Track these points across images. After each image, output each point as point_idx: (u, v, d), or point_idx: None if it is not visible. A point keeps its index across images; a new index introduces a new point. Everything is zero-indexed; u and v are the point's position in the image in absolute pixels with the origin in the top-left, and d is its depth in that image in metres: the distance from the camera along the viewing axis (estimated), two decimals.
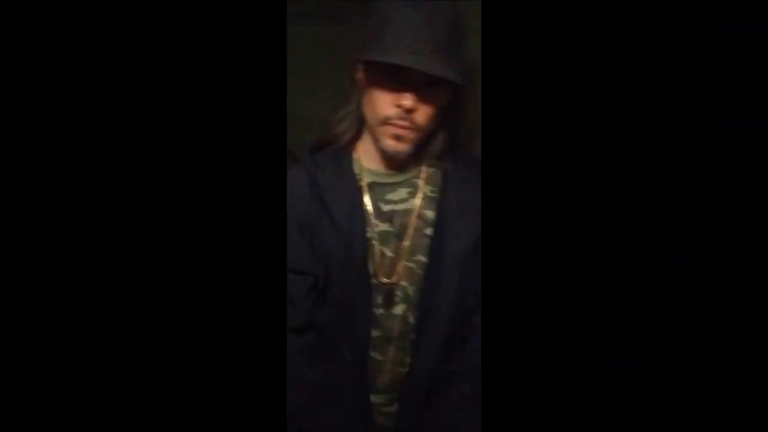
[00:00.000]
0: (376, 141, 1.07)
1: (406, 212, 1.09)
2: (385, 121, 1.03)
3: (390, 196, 1.09)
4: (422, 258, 1.08)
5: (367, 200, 1.09)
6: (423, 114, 1.02)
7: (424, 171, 1.10)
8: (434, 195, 1.10)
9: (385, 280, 1.07)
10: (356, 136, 1.11)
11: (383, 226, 1.08)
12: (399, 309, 1.08)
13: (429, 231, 1.08)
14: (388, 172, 1.10)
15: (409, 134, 1.03)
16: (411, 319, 1.08)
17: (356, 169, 1.10)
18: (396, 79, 1.00)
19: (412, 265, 1.08)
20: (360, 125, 1.11)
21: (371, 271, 1.07)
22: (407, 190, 1.10)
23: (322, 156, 1.12)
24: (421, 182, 1.11)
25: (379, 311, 1.08)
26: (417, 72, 0.97)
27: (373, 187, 1.09)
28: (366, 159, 1.11)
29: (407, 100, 1.00)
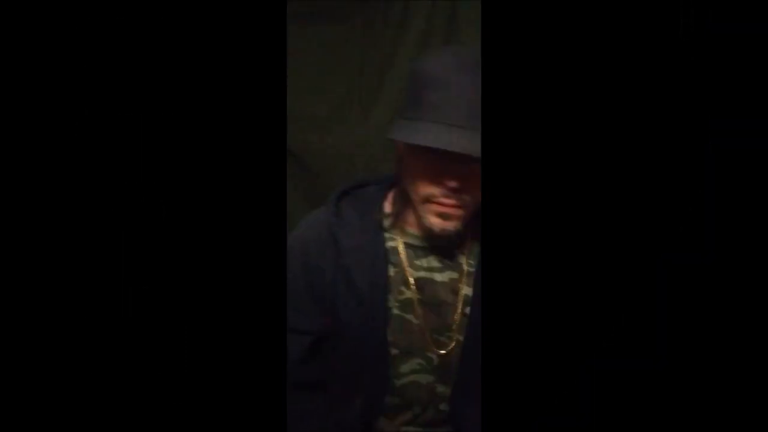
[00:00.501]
0: (418, 216, 0.95)
1: (443, 285, 0.98)
2: (429, 199, 0.91)
3: (420, 262, 0.98)
4: (459, 336, 0.99)
5: (394, 265, 0.97)
6: (472, 190, 0.89)
7: (466, 241, 0.98)
8: (472, 269, 0.99)
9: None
10: (402, 209, 0.99)
11: (408, 294, 0.97)
12: (425, 379, 1.00)
13: (467, 310, 0.98)
14: (423, 235, 0.99)
15: (457, 212, 0.91)
16: (440, 390, 1.00)
17: (387, 225, 0.99)
18: (438, 154, 0.86)
19: (446, 341, 0.99)
20: (405, 199, 0.97)
21: (392, 339, 0.97)
22: (439, 258, 0.99)
23: (348, 206, 1.00)
24: (460, 254, 0.99)
25: (401, 381, 0.99)
26: None
27: (404, 250, 0.98)
28: (400, 219, 0.99)
29: (452, 180, 0.88)
